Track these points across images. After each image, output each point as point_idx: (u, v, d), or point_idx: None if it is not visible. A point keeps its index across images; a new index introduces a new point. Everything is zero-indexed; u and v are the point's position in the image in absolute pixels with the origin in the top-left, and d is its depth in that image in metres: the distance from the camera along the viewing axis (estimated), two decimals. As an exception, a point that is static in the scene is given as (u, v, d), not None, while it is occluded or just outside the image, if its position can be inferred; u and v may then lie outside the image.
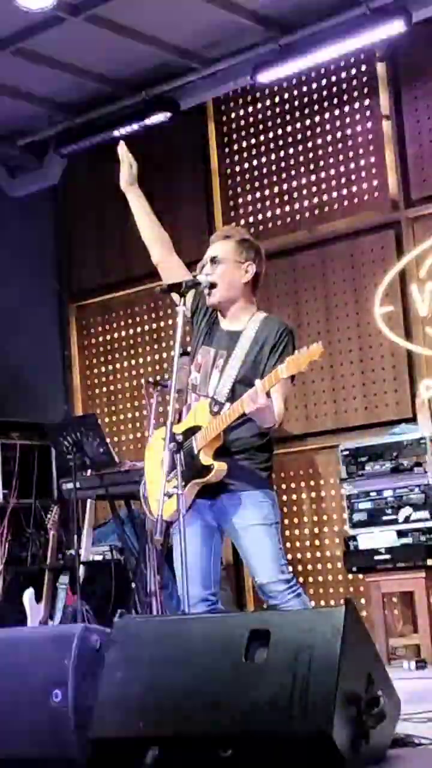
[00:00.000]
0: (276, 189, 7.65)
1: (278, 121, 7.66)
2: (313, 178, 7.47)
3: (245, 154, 7.80)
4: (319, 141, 7.45)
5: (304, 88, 7.52)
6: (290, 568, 4.18)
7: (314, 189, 7.46)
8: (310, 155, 7.49)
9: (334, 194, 7.37)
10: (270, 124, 7.70)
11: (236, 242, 4.16)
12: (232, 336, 4.09)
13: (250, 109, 7.80)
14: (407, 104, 7.08)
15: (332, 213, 7.38)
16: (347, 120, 7.33)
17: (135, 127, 7.90)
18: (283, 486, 7.32)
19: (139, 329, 8.35)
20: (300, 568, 7.19)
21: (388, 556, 6.07)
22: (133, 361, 8.36)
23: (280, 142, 7.65)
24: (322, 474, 7.28)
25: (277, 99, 7.67)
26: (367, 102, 7.26)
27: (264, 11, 7.00)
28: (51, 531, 6.27)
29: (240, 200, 7.83)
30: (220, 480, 3.95)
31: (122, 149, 4.45)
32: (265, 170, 7.71)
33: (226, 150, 7.91)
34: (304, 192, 7.51)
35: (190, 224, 7.80)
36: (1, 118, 8.12)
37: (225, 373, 4.03)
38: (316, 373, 7.14)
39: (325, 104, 7.44)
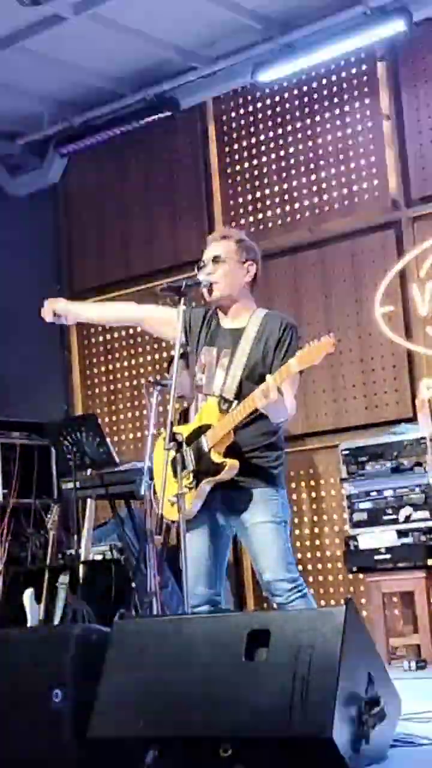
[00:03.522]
0: (276, 189, 7.65)
1: (278, 121, 7.66)
2: (313, 178, 7.47)
3: (245, 154, 7.80)
4: (319, 141, 7.45)
5: (304, 88, 7.52)
6: (298, 569, 4.18)
7: (314, 189, 7.46)
8: (310, 155, 7.49)
9: (334, 194, 7.36)
10: (270, 124, 7.69)
11: (236, 242, 4.18)
12: (234, 334, 4.10)
13: (250, 108, 7.79)
14: (407, 104, 7.08)
15: (332, 213, 7.38)
16: (347, 120, 7.33)
17: (135, 126, 7.91)
18: (283, 486, 7.31)
19: (139, 329, 8.33)
20: (300, 568, 7.17)
21: (388, 556, 6.06)
22: (133, 361, 8.36)
23: (280, 142, 7.64)
24: (322, 474, 7.28)
25: (277, 99, 7.66)
26: (367, 102, 7.25)
27: (264, 10, 7.00)
28: (51, 531, 6.26)
29: (240, 200, 7.82)
30: (232, 477, 3.95)
31: (48, 315, 4.36)
32: (265, 170, 7.71)
33: (226, 150, 7.90)
34: (304, 192, 7.50)
35: (190, 224, 7.81)
36: (1, 118, 8.12)
37: (231, 371, 4.04)
38: (316, 373, 7.14)
39: (325, 104, 7.44)
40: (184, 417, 4.57)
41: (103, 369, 8.55)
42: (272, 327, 4.07)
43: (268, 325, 4.08)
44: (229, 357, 4.06)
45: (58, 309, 4.35)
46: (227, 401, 3.99)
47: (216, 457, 3.94)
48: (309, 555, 7.30)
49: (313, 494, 7.33)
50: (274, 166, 7.66)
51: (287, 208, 7.58)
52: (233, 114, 7.88)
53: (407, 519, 6.05)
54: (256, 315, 4.13)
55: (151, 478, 4.36)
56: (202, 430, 4.00)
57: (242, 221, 7.73)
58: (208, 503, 4.00)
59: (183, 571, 3.84)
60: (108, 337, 8.53)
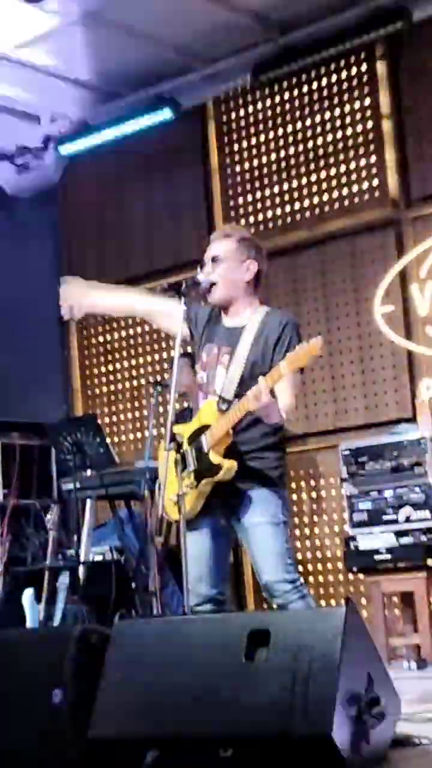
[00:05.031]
0: (276, 189, 7.65)
1: (278, 120, 7.66)
2: (313, 178, 7.46)
3: (245, 154, 7.80)
4: (319, 141, 7.45)
5: (304, 88, 7.52)
6: (298, 569, 4.17)
7: (314, 189, 7.45)
8: (310, 155, 7.48)
9: (334, 194, 7.36)
10: (270, 123, 7.69)
11: (237, 241, 4.15)
12: (234, 332, 4.08)
13: (250, 108, 7.79)
14: (407, 104, 7.08)
15: (332, 213, 7.38)
16: (347, 120, 7.33)
17: (135, 126, 7.90)
18: (283, 486, 7.31)
19: (139, 329, 8.34)
20: (300, 568, 7.18)
21: (388, 556, 6.06)
22: (133, 361, 8.35)
23: (280, 142, 7.64)
24: (322, 474, 7.28)
25: (277, 99, 7.66)
26: (367, 101, 7.25)
27: (264, 11, 7.00)
28: (51, 531, 6.26)
29: (240, 200, 7.82)
30: (231, 478, 3.95)
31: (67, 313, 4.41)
32: (265, 170, 7.70)
33: (226, 150, 7.90)
34: (304, 192, 7.50)
35: (190, 224, 7.80)
36: (0, 118, 8.11)
37: (231, 370, 4.03)
38: (316, 373, 7.15)
39: (325, 104, 7.43)
40: (186, 415, 4.57)
41: (103, 369, 8.55)
42: (272, 325, 4.03)
43: (268, 323, 4.05)
44: (229, 355, 4.05)
45: (74, 309, 4.36)
46: (226, 401, 3.99)
47: (215, 458, 3.94)
48: (309, 555, 7.29)
49: (313, 494, 7.33)
50: (274, 166, 7.66)
51: (287, 208, 7.58)
52: (233, 114, 7.88)
53: (407, 519, 6.05)
54: (257, 313, 4.09)
55: (157, 478, 4.36)
56: (201, 430, 4.00)
57: (242, 221, 7.72)
58: (210, 504, 4.00)
59: (183, 571, 3.84)
60: (108, 337, 8.53)
